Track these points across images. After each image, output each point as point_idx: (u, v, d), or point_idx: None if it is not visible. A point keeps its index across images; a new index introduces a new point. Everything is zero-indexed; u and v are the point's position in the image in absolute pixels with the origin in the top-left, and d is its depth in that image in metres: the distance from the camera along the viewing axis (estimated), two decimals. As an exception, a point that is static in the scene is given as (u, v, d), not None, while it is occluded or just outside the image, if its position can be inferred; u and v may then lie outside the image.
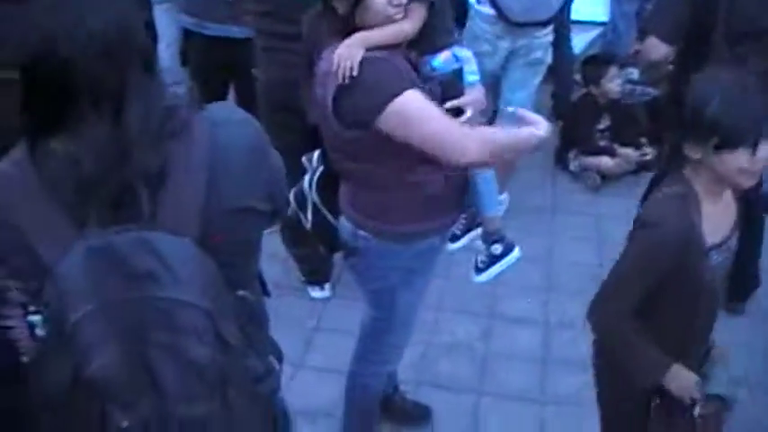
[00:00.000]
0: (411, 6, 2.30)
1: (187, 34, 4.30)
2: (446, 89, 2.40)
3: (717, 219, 2.10)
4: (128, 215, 1.34)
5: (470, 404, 3.42)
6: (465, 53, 2.49)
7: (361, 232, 2.49)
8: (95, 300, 1.30)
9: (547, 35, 4.25)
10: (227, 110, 1.60)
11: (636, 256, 2.12)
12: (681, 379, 2.18)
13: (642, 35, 4.44)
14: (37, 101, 1.35)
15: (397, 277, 2.56)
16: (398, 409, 3.27)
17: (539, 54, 4.25)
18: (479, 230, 2.84)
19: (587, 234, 4.60)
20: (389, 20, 2.26)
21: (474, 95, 2.47)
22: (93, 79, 1.32)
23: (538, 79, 4.40)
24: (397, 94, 2.19)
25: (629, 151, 5.02)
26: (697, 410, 2.19)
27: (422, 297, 2.76)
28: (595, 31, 5.98)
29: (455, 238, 2.83)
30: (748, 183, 2.02)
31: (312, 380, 3.37)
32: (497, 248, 2.79)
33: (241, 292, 1.55)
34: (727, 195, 2.14)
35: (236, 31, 3.96)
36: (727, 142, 1.97)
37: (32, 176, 1.36)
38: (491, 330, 3.87)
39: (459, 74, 2.45)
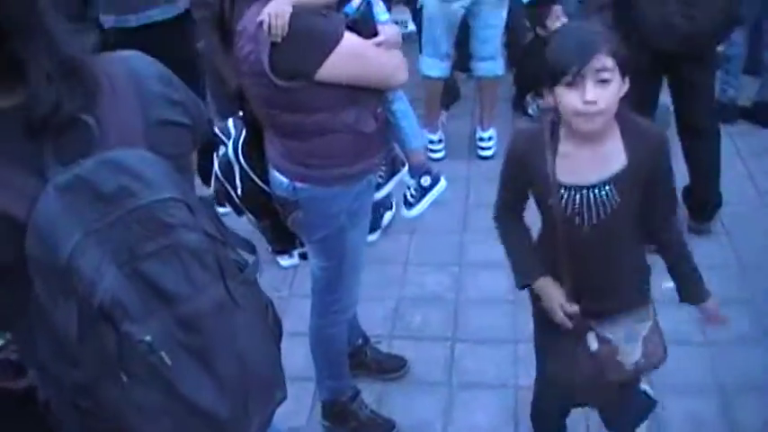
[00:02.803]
0: None
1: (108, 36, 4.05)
2: (361, 30, 2.46)
3: (578, 162, 2.18)
4: (81, 145, 1.37)
5: (445, 351, 3.46)
6: None
7: (300, 184, 2.53)
8: (80, 230, 1.31)
9: None
10: (126, 51, 1.63)
11: (503, 161, 2.37)
12: (545, 292, 2.36)
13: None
14: None
15: (342, 221, 2.61)
16: (372, 361, 3.31)
17: None
18: (404, 171, 2.89)
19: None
20: None
21: (388, 32, 2.54)
22: (18, 24, 1.34)
23: (504, 13, 4.64)
24: (337, 41, 2.36)
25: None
26: (593, 345, 2.35)
27: (365, 236, 2.82)
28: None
29: (379, 187, 2.87)
30: (585, 126, 2.08)
31: (286, 345, 3.38)
32: (426, 180, 2.86)
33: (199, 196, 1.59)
34: (610, 145, 2.19)
35: (157, 14, 3.92)
36: (551, 76, 2.07)
37: None
38: (461, 278, 3.91)
39: (370, 14, 2.52)
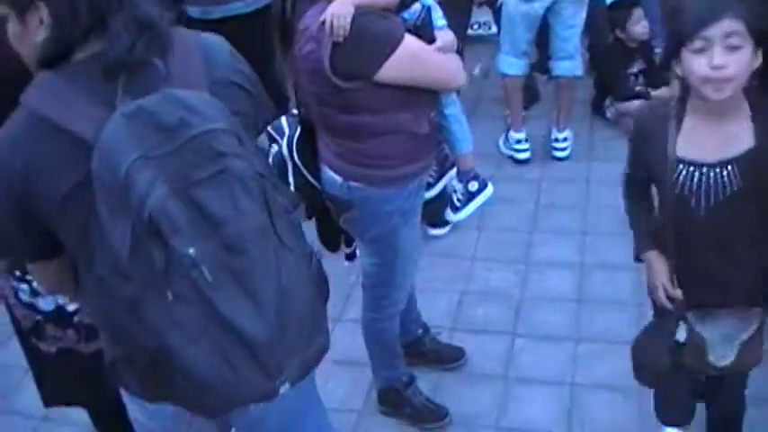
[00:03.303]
0: None
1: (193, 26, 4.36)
2: (421, 35, 2.53)
3: (700, 137, 2.12)
4: (149, 83, 1.55)
5: (504, 345, 3.49)
6: (429, 1, 2.62)
7: (354, 183, 2.61)
8: (139, 150, 1.46)
9: None
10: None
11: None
12: (653, 268, 2.34)
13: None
14: (69, 17, 1.56)
15: (396, 219, 2.68)
16: (432, 351, 3.37)
17: None
18: (453, 172, 2.95)
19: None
20: None
21: (446, 38, 2.61)
22: None
23: (584, 12, 4.65)
24: (398, 42, 2.42)
25: (663, 92, 4.98)
26: (681, 336, 2.31)
27: (417, 233, 2.88)
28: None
29: (429, 187, 2.94)
30: (714, 94, 2.00)
31: (351, 331, 3.48)
32: (473, 185, 2.93)
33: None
34: (737, 124, 2.11)
35: (240, 7, 4.04)
36: (676, 42, 2.01)
37: (67, 81, 1.58)
38: (527, 276, 3.93)
39: (429, 21, 2.58)
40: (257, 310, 1.52)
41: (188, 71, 1.64)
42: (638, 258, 2.44)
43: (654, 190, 2.35)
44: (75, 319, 2.38)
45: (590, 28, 5.25)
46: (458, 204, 3.02)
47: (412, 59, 2.47)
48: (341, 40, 2.37)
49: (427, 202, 2.99)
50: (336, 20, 2.36)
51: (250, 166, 1.55)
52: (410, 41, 2.46)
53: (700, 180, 2.13)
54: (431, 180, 2.97)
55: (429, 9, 2.58)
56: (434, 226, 4.14)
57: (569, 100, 4.90)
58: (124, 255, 1.47)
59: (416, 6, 2.56)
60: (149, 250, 1.46)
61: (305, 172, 2.71)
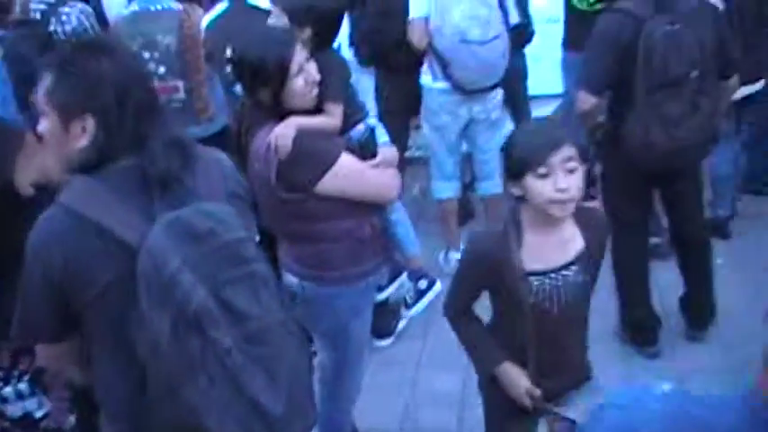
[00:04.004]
0: (329, 108, 2.82)
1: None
2: (365, 152, 2.85)
3: (543, 249, 2.38)
4: (181, 196, 1.82)
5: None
6: (373, 121, 2.99)
7: (306, 283, 2.87)
8: (180, 256, 1.71)
9: (496, 96, 4.80)
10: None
11: (460, 265, 2.60)
12: (510, 378, 2.47)
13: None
14: (116, 131, 1.81)
15: (346, 314, 2.94)
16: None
17: (497, 113, 4.83)
18: (404, 276, 3.19)
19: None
20: (310, 97, 2.74)
21: (387, 153, 2.93)
22: (153, 109, 1.88)
23: (501, 134, 4.80)
24: (335, 160, 2.71)
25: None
26: (550, 427, 2.49)
27: (366, 328, 3.10)
28: (555, 103, 6.30)
29: (381, 289, 3.17)
30: (560, 212, 2.28)
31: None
32: (423, 283, 3.18)
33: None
34: (568, 230, 2.40)
35: (198, 132, 4.27)
36: (519, 169, 2.27)
37: (103, 190, 1.82)
38: (472, 379, 4.08)
39: (372, 139, 2.92)
40: (275, 388, 1.79)
41: (210, 184, 1.92)
42: (489, 377, 2.55)
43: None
44: (43, 424, 2.51)
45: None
46: (409, 302, 3.25)
47: (347, 176, 2.76)
48: (283, 158, 2.65)
49: (375, 308, 3.21)
50: (280, 140, 2.65)
51: (268, 269, 1.85)
52: (346, 160, 2.75)
53: (550, 285, 2.38)
54: (382, 283, 3.20)
55: (373, 129, 2.91)
56: (380, 337, 4.33)
57: (496, 216, 5.16)
58: (164, 342, 1.70)
59: (360, 127, 2.89)
60: (188, 339, 1.71)
61: None
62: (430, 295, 3.25)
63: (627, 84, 3.65)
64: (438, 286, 3.24)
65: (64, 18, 4.93)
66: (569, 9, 5.51)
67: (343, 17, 3.19)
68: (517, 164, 2.29)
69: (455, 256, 5.09)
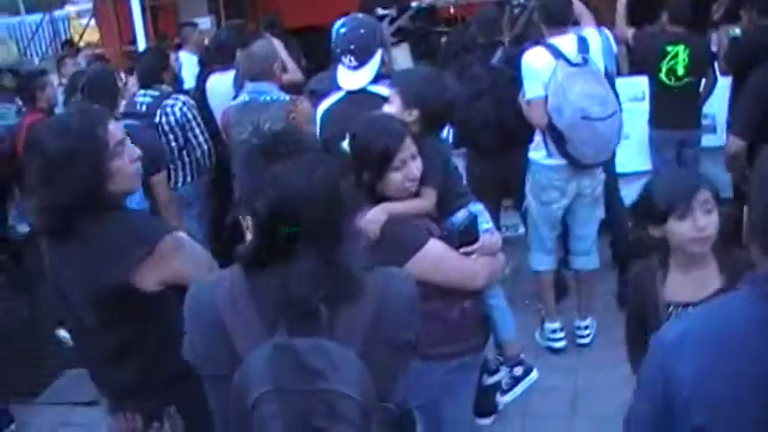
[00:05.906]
0: (424, 191, 2.89)
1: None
2: (464, 239, 2.88)
3: (683, 284, 2.61)
4: (309, 328, 1.72)
5: None
6: (477, 207, 3.04)
7: None
8: (272, 384, 1.64)
9: (602, 172, 4.97)
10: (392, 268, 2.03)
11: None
12: None
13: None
14: (265, 240, 1.76)
15: (436, 391, 2.95)
16: None
17: (600, 189, 4.97)
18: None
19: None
20: (407, 192, 2.83)
21: (488, 240, 2.96)
22: (315, 228, 1.75)
23: (600, 211, 5.12)
24: (420, 247, 2.80)
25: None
26: None
27: (465, 413, 3.12)
28: (642, 180, 6.30)
29: (493, 373, 3.28)
30: (699, 249, 2.54)
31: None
32: (518, 371, 3.20)
33: (385, 404, 1.91)
34: (708, 271, 2.59)
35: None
36: (663, 212, 2.51)
37: (244, 290, 1.79)
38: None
39: (474, 224, 2.94)
40: None
41: (351, 325, 1.77)
42: None
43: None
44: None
45: (610, 227, 5.63)
46: (505, 387, 3.27)
47: (432, 262, 2.80)
48: (371, 242, 2.69)
49: (484, 390, 3.25)
50: (369, 224, 2.73)
51: None
52: (432, 246, 2.81)
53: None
54: (493, 367, 3.25)
55: (476, 216, 2.95)
56: (481, 416, 4.32)
57: (589, 291, 5.22)
58: None
59: (463, 212, 2.95)
60: None
61: None
62: (525, 383, 3.27)
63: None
64: (534, 374, 3.26)
65: (168, 110, 5.22)
66: (657, 86, 5.57)
67: (452, 106, 3.23)
68: (661, 208, 2.54)
69: (552, 326, 5.17)
